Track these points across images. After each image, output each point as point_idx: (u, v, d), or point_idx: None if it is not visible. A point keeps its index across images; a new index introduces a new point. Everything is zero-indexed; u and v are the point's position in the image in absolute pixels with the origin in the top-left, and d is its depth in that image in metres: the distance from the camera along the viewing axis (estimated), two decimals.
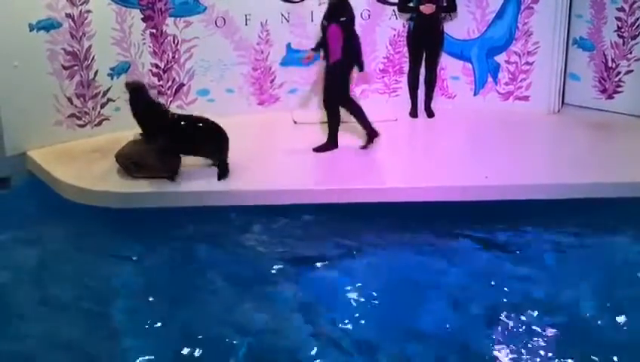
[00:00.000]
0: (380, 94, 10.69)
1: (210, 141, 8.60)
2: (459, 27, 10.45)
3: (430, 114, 10.50)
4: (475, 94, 10.74)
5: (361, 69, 9.27)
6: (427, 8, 9.94)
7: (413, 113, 10.50)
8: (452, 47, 10.52)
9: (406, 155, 9.59)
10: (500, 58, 10.55)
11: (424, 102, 10.52)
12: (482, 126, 10.21)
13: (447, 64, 10.61)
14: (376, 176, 8.89)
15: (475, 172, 8.73)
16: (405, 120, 10.44)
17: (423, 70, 10.43)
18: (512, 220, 8.28)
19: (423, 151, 9.79)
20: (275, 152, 9.41)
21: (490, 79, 10.66)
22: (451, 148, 9.53)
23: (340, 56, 8.99)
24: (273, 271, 7.62)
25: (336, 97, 9.20)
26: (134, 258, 7.90)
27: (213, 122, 8.61)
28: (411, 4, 10.07)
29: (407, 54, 10.48)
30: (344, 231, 8.22)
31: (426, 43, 10.25)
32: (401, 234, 8.17)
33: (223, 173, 8.55)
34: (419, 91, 10.50)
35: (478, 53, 10.55)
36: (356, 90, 10.59)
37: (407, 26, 10.34)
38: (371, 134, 9.36)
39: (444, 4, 10.07)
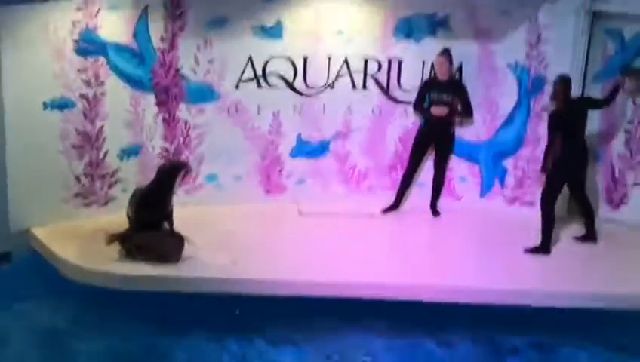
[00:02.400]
0: (386, 190, 10.67)
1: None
2: (468, 129, 10.52)
3: (435, 213, 10.50)
4: (481, 196, 10.76)
5: None
6: (438, 110, 10.04)
7: (390, 208, 10.44)
8: (461, 148, 10.58)
9: (407, 252, 9.55)
10: (508, 162, 10.60)
11: (430, 200, 10.52)
12: (488, 228, 10.18)
13: (455, 165, 10.65)
14: (372, 271, 8.78)
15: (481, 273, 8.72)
16: (411, 215, 10.44)
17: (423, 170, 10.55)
18: None
19: (422, 249, 9.71)
20: (279, 242, 9.38)
21: (497, 183, 10.68)
22: (456, 249, 9.50)
23: None
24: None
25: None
26: (129, 340, 7.81)
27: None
28: (425, 105, 10.18)
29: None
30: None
31: (435, 144, 10.31)
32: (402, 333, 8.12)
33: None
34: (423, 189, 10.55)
35: (486, 156, 10.61)
36: (362, 186, 10.67)
37: (418, 124, 10.42)
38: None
39: (459, 110, 10.16)
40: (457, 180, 10.75)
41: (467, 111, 10.22)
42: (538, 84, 10.27)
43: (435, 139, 10.27)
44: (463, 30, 10.23)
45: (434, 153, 10.40)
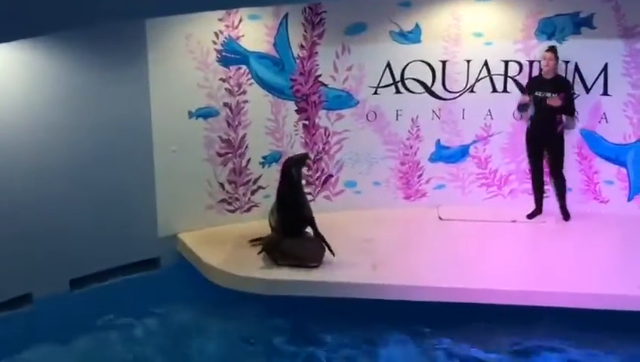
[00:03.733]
0: (528, 194, 10.44)
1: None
2: (615, 131, 10.16)
3: (566, 216, 10.18)
4: (629, 200, 10.37)
5: None
6: (555, 100, 9.76)
7: (533, 213, 10.20)
8: (607, 150, 10.24)
9: (550, 259, 9.30)
10: None
11: (559, 205, 10.20)
12: (633, 233, 9.79)
13: (602, 168, 10.31)
14: (518, 278, 8.64)
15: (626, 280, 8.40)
16: (555, 220, 10.16)
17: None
18: None
19: (564, 255, 9.41)
20: (420, 248, 9.35)
21: None
22: (603, 254, 9.19)
23: None
24: None
25: None
26: (274, 345, 7.96)
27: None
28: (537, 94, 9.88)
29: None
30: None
31: (544, 144, 10.03)
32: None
33: None
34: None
35: (634, 158, 10.22)
36: (504, 190, 10.49)
37: (527, 124, 10.14)
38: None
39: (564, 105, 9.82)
40: (603, 183, 10.38)
41: (569, 109, 9.90)
42: None
43: (544, 140, 9.97)
44: (608, 29, 9.88)
45: (547, 157, 10.12)
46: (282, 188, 8.88)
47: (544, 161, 10.16)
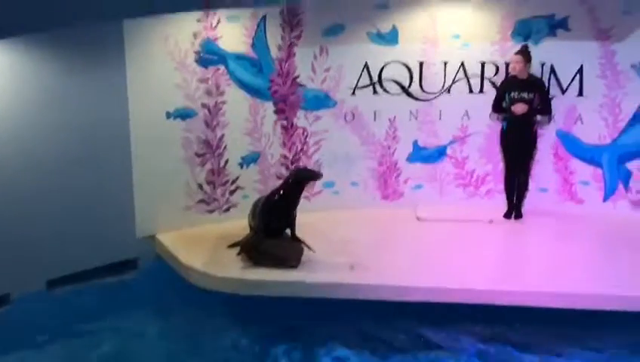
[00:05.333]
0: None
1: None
2: (590, 132, 10.27)
3: (518, 215, 10.30)
4: (604, 200, 10.48)
5: None
6: (518, 108, 9.83)
7: (507, 214, 10.31)
8: (582, 151, 10.34)
9: (525, 258, 9.42)
10: (632, 165, 10.29)
11: (515, 202, 10.32)
12: (612, 233, 9.89)
13: (577, 168, 10.41)
14: (496, 278, 8.74)
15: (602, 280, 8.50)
16: (532, 220, 10.26)
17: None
18: None
19: (540, 254, 9.49)
20: (398, 248, 9.40)
21: (620, 186, 10.39)
22: (579, 254, 9.28)
23: None
24: None
25: None
26: (250, 345, 7.98)
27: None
28: (504, 105, 9.98)
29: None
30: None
31: (517, 144, 10.12)
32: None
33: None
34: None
35: (609, 159, 10.33)
36: (481, 190, 10.56)
37: (500, 127, 10.21)
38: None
39: (538, 107, 9.92)
40: (579, 184, 10.48)
41: (546, 109, 10.00)
42: None
43: (518, 139, 10.06)
44: (583, 31, 9.98)
45: (515, 153, 10.21)
46: (281, 192, 8.87)
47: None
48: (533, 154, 10.26)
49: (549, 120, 10.21)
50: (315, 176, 9.14)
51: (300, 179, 8.88)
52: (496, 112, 10.17)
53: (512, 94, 9.90)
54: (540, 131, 10.21)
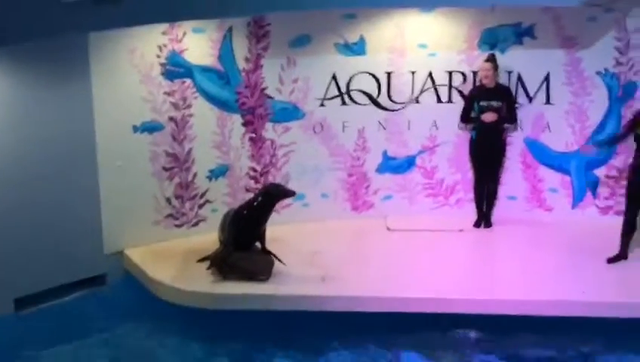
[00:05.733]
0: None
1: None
2: (557, 140, 10.32)
3: (488, 224, 10.33)
4: (573, 207, 10.53)
5: None
6: (488, 116, 9.87)
7: (477, 223, 10.34)
8: (550, 159, 10.39)
9: (496, 266, 9.44)
10: (600, 172, 10.36)
11: (485, 211, 10.36)
12: (581, 239, 9.93)
13: (546, 176, 10.45)
14: (467, 287, 8.73)
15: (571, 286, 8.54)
16: (502, 229, 10.28)
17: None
18: None
19: (511, 262, 9.49)
20: (369, 259, 9.36)
21: (589, 193, 10.44)
22: (549, 261, 9.29)
23: None
24: None
25: None
26: (220, 359, 7.93)
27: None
28: (473, 115, 10.02)
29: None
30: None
31: (487, 153, 10.15)
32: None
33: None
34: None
35: (577, 166, 10.38)
36: (450, 200, 10.56)
37: (470, 136, 10.23)
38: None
39: (505, 115, 9.96)
40: (548, 191, 10.52)
41: (512, 116, 10.05)
42: (629, 90, 10.04)
43: (487, 148, 10.10)
44: (548, 39, 10.04)
45: (485, 162, 10.23)
46: (252, 205, 8.83)
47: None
48: (502, 163, 10.29)
49: (516, 128, 10.25)
50: (288, 193, 9.07)
51: (272, 195, 8.84)
52: (464, 122, 10.19)
53: (482, 103, 9.93)
54: (508, 139, 10.26)
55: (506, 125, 10.06)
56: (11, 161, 8.40)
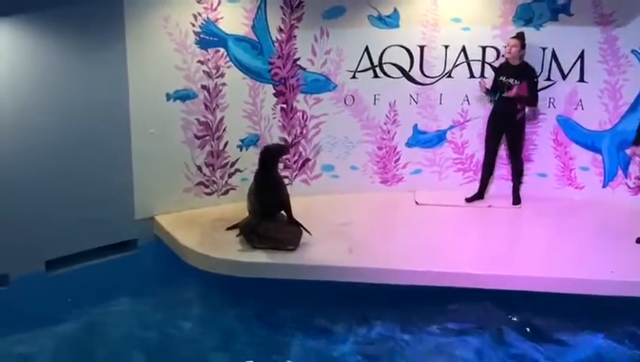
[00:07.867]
0: (503, 180, 10.52)
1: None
2: (590, 118, 10.25)
3: (516, 201, 10.28)
4: (604, 186, 10.48)
5: None
6: (510, 92, 9.79)
7: (474, 197, 10.31)
8: (583, 137, 10.33)
9: (524, 243, 9.44)
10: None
11: (512, 188, 10.32)
12: (611, 219, 9.89)
13: (577, 154, 10.40)
14: (494, 263, 8.68)
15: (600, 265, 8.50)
16: (532, 205, 10.24)
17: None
18: None
19: (546, 241, 9.50)
20: (396, 232, 9.39)
21: (620, 172, 10.38)
22: (577, 239, 9.27)
23: None
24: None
25: None
26: (247, 326, 8.02)
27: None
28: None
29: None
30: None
31: (499, 129, 10.11)
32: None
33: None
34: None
35: (609, 145, 10.32)
36: (480, 175, 10.53)
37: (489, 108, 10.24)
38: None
39: (522, 95, 9.84)
40: (579, 169, 10.47)
41: (532, 97, 9.94)
42: None
43: (504, 125, 10.05)
44: (584, 16, 9.95)
45: (506, 141, 10.22)
46: (259, 174, 8.87)
47: (501, 146, 10.28)
48: (521, 142, 10.22)
49: (535, 112, 10.24)
50: (281, 150, 9.08)
51: (268, 157, 8.80)
52: (486, 94, 10.19)
53: (501, 78, 9.92)
54: (541, 116, 10.21)
55: (526, 109, 10.01)
56: (47, 126, 8.47)
